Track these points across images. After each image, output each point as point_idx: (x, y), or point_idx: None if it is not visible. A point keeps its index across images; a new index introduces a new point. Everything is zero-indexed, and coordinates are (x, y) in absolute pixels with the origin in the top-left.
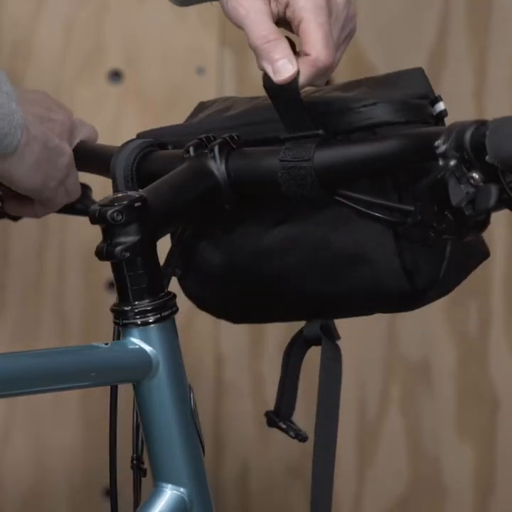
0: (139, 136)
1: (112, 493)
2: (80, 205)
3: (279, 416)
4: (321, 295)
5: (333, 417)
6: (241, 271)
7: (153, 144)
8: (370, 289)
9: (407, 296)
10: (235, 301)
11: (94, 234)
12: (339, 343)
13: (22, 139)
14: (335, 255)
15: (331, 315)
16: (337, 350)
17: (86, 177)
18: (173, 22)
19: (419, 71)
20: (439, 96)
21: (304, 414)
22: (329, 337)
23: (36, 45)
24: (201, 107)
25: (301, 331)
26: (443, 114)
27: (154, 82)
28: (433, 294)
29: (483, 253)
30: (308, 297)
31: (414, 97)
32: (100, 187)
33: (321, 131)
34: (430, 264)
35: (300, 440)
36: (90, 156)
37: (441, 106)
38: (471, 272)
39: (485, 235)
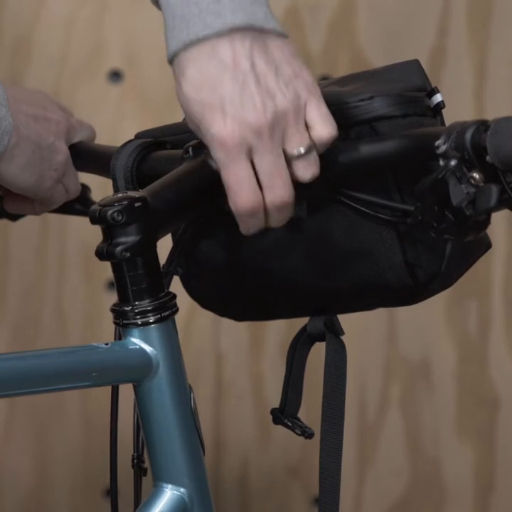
0: (138, 135)
1: (112, 492)
2: (79, 205)
3: (285, 413)
4: (323, 291)
5: (340, 411)
6: (242, 269)
7: (153, 143)
8: (372, 284)
9: (409, 289)
10: (237, 299)
11: (94, 234)
12: (343, 338)
13: (11, 141)
14: (336, 251)
15: (334, 311)
16: (341, 346)
17: (85, 177)
18: None
19: (416, 63)
20: (436, 88)
21: (305, 411)
22: (333, 332)
23: (36, 44)
24: None
25: (304, 328)
26: (440, 105)
27: (154, 82)
28: (435, 287)
29: (485, 244)
30: (310, 293)
31: (410, 89)
32: (100, 187)
33: None
34: (432, 257)
35: (306, 437)
36: (89, 156)
37: (438, 98)
38: (474, 264)
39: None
